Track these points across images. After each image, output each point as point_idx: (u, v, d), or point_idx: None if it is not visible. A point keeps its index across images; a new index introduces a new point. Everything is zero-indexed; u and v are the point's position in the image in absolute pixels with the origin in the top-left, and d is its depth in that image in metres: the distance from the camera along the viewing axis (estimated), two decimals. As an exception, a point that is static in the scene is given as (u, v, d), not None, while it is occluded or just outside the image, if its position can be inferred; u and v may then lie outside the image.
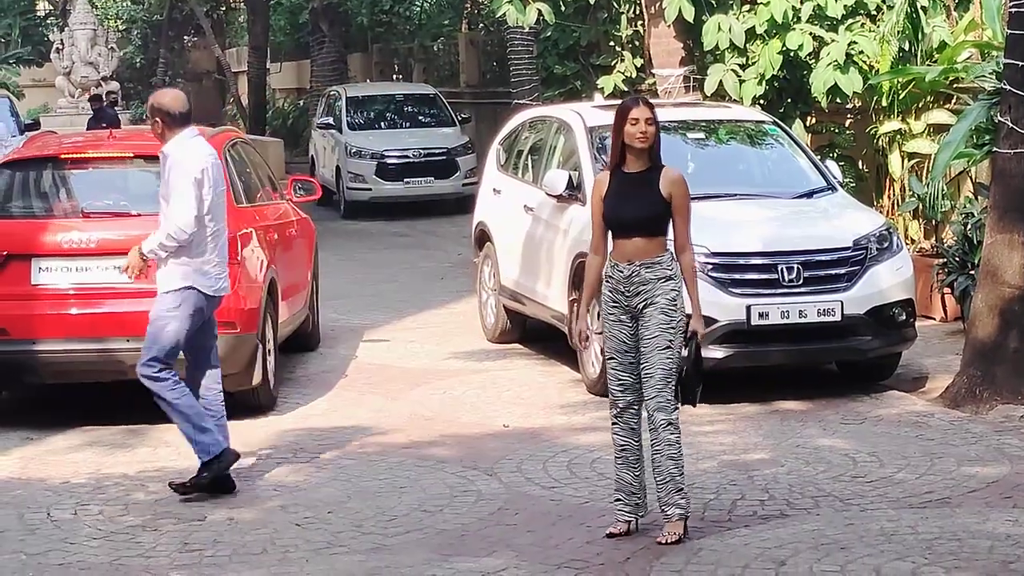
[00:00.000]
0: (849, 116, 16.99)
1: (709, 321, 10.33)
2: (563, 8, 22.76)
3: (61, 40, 36.89)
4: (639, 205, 7.69)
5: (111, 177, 11.23)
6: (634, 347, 7.72)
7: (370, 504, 8.55)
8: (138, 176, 11.15)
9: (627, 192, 7.74)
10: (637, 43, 20.95)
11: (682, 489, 7.71)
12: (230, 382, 10.45)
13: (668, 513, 7.72)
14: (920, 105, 15.12)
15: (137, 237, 10.27)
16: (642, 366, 7.69)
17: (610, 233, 7.84)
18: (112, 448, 10.00)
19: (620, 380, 7.79)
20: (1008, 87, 10.57)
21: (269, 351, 11.02)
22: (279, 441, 10.12)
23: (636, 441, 7.83)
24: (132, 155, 11.15)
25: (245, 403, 10.70)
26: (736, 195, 11.72)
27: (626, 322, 7.74)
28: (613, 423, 7.88)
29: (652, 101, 8.20)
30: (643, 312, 7.68)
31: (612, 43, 21.75)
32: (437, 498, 8.64)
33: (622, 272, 7.70)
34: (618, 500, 7.91)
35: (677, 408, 7.71)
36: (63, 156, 11.10)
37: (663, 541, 7.64)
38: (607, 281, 7.80)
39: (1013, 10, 10.59)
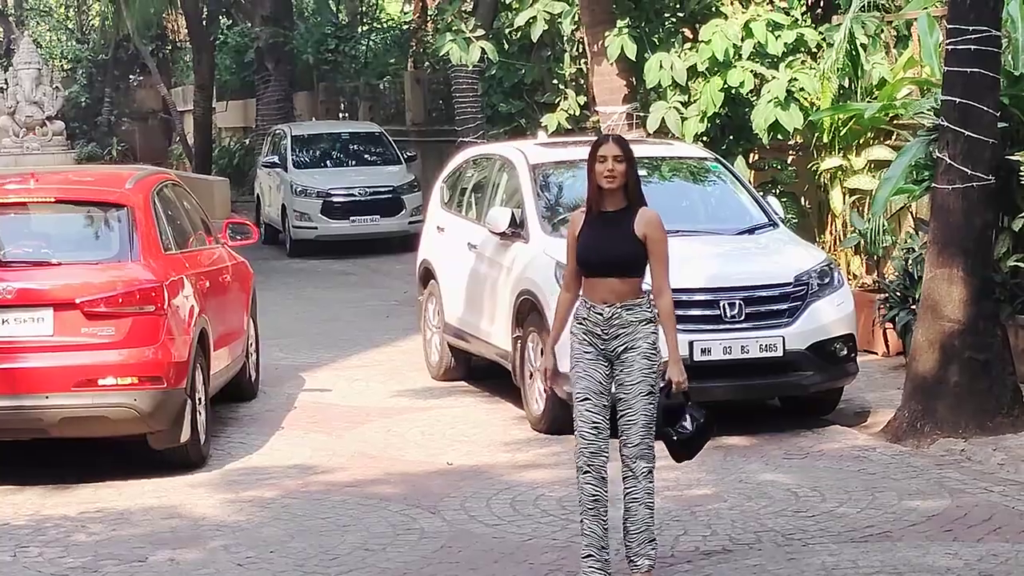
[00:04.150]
0: (791, 152, 17.11)
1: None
2: (507, 46, 22.87)
3: (5, 80, 36.70)
4: (612, 245, 7.43)
5: (32, 223, 10.76)
6: (608, 389, 7.44)
7: (313, 543, 8.52)
8: (61, 222, 10.72)
9: (601, 232, 7.46)
10: (581, 81, 21.05)
11: (654, 540, 7.48)
12: (157, 440, 10.12)
13: (638, 564, 7.44)
14: (861, 141, 15.24)
15: (60, 287, 9.88)
16: (623, 413, 7.41)
17: (583, 273, 7.58)
18: (53, 489, 9.90)
19: (594, 423, 7.40)
20: (946, 123, 10.68)
21: (200, 404, 10.51)
22: (221, 480, 10.07)
23: (606, 491, 7.44)
24: (54, 200, 10.68)
25: (173, 461, 10.27)
26: (679, 231, 11.71)
27: (602, 362, 7.45)
28: (584, 472, 7.40)
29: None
30: (622, 356, 7.40)
31: (556, 81, 21.84)
32: (380, 536, 8.62)
33: (601, 314, 7.41)
34: (589, 556, 7.43)
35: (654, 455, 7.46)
36: None
37: None
38: (580, 323, 7.50)
39: (950, 48, 10.70)
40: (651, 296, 7.53)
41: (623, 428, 7.42)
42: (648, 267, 7.52)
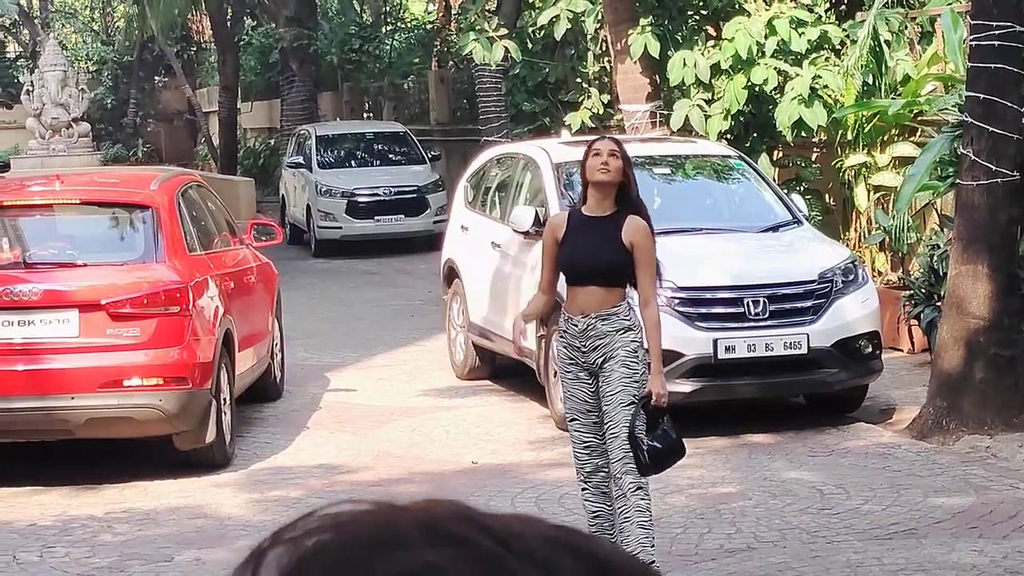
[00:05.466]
0: (815, 150, 17.08)
1: (675, 356, 10.40)
2: (530, 45, 22.87)
3: (31, 82, 36.86)
4: (599, 252, 7.25)
5: (57, 224, 10.81)
6: (596, 405, 7.27)
7: (338, 542, 8.52)
8: (86, 223, 10.78)
9: (586, 237, 7.27)
10: (604, 79, 21.05)
11: (654, 563, 7.14)
12: (182, 440, 10.12)
13: None
14: (885, 138, 15.21)
15: (86, 288, 9.92)
16: (605, 425, 7.20)
17: (567, 281, 7.46)
18: (79, 489, 9.95)
19: (585, 442, 7.31)
20: (970, 119, 10.65)
21: (225, 404, 10.52)
22: (247, 480, 10.10)
23: (610, 506, 7.30)
24: (79, 201, 10.74)
25: (199, 461, 10.26)
26: (702, 229, 11.78)
27: (585, 379, 7.30)
28: (583, 489, 7.38)
29: (620, 137, 8.08)
30: (602, 367, 7.22)
31: (579, 80, 21.85)
32: (405, 536, 8.62)
33: (576, 326, 7.24)
34: None
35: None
36: (5, 203, 10.62)
37: None
38: (561, 336, 7.40)
39: (974, 44, 10.68)
40: (629, 303, 7.34)
41: (608, 442, 7.19)
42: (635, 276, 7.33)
